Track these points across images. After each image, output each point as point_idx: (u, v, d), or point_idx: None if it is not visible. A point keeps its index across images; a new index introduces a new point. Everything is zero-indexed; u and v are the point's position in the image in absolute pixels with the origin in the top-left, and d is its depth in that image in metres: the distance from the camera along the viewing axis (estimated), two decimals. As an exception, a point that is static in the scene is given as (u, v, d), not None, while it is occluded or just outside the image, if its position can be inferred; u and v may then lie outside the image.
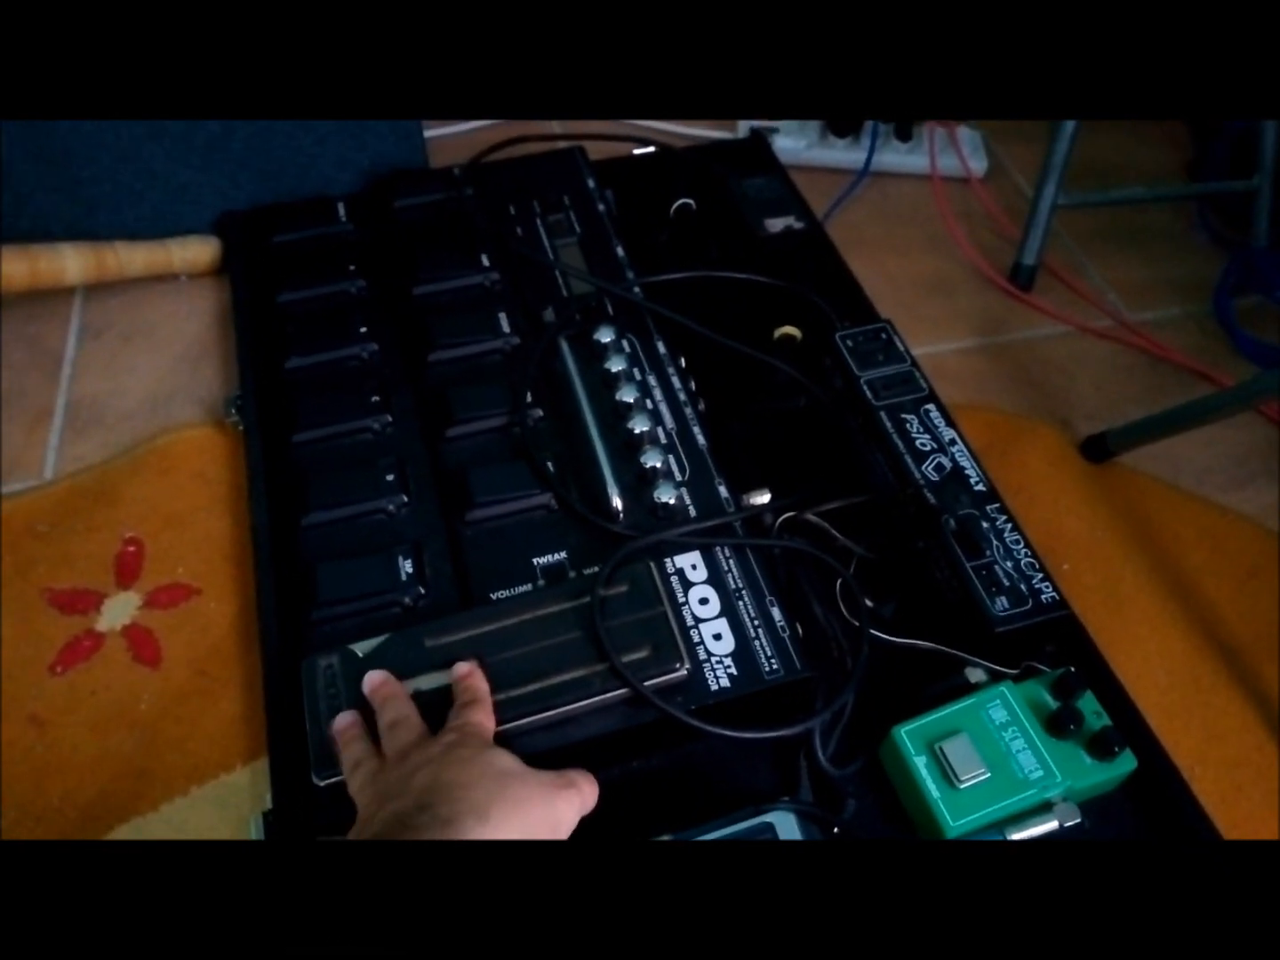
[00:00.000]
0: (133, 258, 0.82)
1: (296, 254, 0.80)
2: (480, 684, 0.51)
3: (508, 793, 0.42)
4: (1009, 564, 0.59)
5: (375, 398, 0.69)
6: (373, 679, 0.52)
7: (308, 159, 0.86)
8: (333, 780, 0.50)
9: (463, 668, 0.52)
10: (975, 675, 0.57)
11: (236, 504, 0.69)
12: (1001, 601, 0.57)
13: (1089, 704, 0.56)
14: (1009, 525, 0.61)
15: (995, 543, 0.60)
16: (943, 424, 0.67)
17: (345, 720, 0.51)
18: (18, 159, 0.79)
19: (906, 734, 0.54)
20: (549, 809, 0.44)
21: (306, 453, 0.67)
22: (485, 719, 0.49)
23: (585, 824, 0.46)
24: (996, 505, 0.62)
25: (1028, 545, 0.60)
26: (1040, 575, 0.59)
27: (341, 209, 0.83)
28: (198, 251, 0.84)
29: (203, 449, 0.73)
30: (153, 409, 0.76)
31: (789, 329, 0.77)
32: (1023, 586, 0.58)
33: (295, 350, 0.72)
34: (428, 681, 0.53)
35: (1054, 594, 0.58)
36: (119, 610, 0.64)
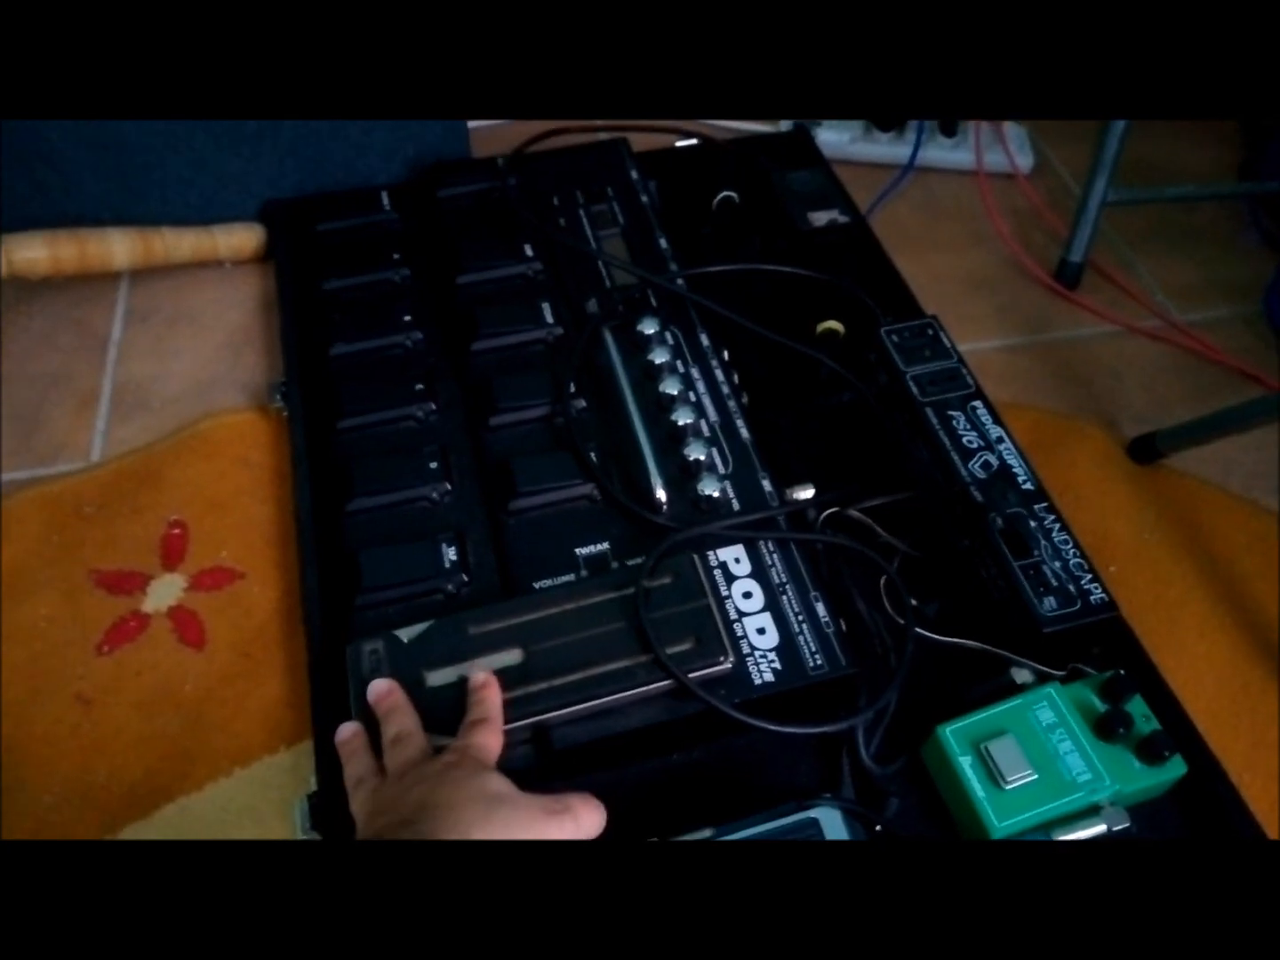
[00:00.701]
0: (179, 243, 0.83)
1: (341, 242, 0.80)
2: (494, 699, 0.51)
3: (495, 815, 0.42)
4: (1057, 564, 0.58)
5: (419, 385, 0.69)
6: (378, 688, 0.51)
7: (354, 149, 0.86)
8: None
9: (479, 677, 0.52)
10: (1021, 676, 0.57)
11: (280, 489, 0.70)
12: (1049, 602, 0.57)
13: (1138, 707, 0.55)
14: (1057, 525, 0.60)
15: (1043, 542, 0.59)
16: (990, 421, 0.66)
17: (347, 732, 0.51)
18: (70, 144, 0.80)
19: (952, 733, 0.54)
20: (539, 835, 0.43)
21: (350, 439, 0.67)
22: (490, 739, 0.48)
23: (625, 818, 0.46)
24: (1044, 504, 0.61)
25: (1076, 545, 0.59)
26: (1089, 576, 0.58)
27: (386, 198, 0.83)
28: (243, 238, 0.85)
29: (246, 434, 0.74)
30: (197, 393, 0.77)
31: (832, 323, 0.76)
32: (1071, 587, 0.57)
33: (340, 337, 0.72)
34: (471, 668, 0.53)
35: (1103, 595, 0.57)
36: (164, 592, 0.65)
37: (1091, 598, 0.57)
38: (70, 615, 0.64)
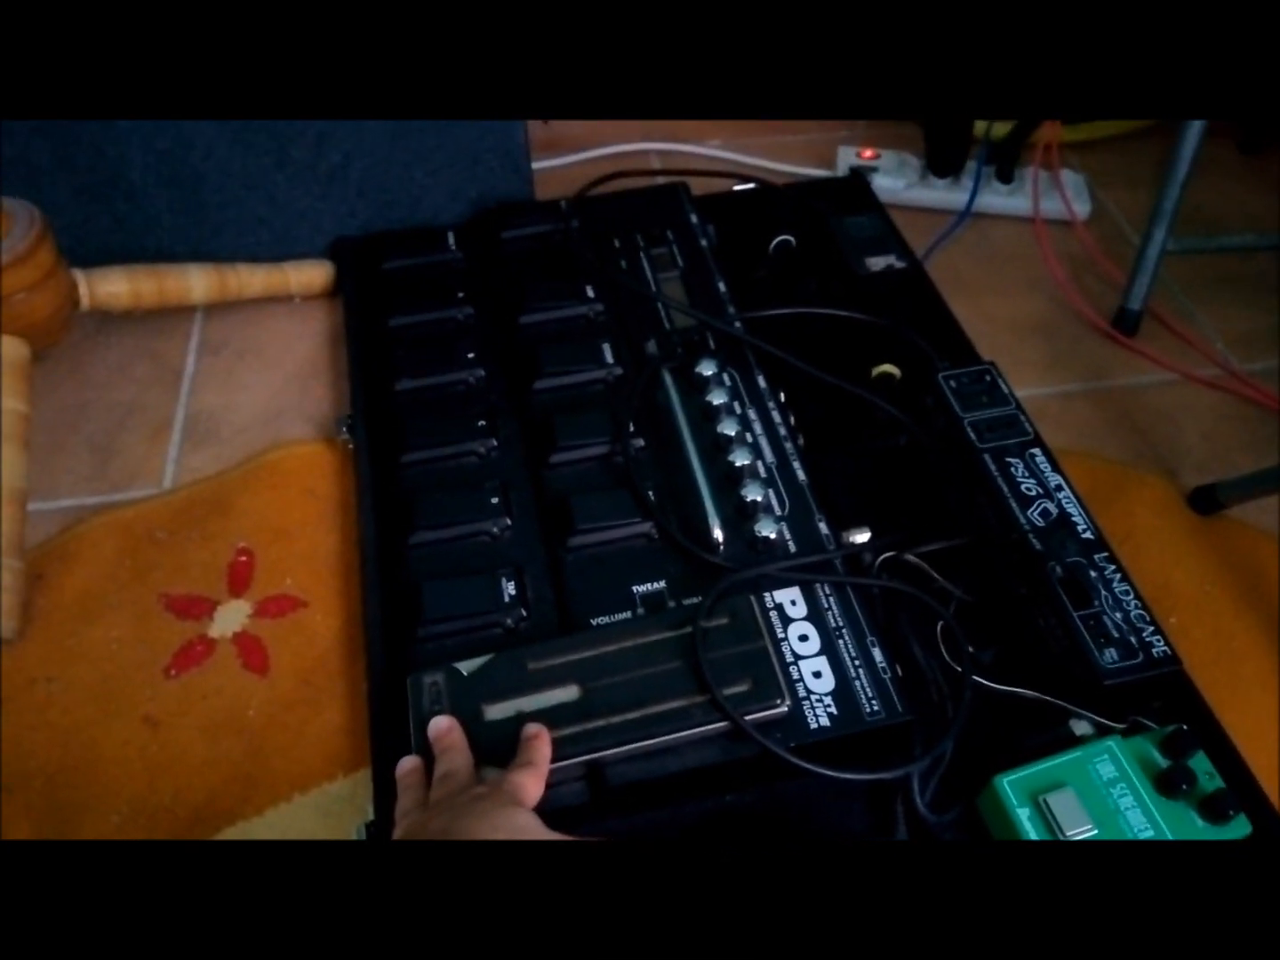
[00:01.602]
0: (252, 279, 0.86)
1: (407, 280, 0.83)
2: (544, 749, 0.51)
3: None
4: (1118, 615, 0.58)
5: (481, 422, 0.71)
6: (438, 725, 0.52)
7: (420, 190, 0.89)
8: (437, 796, 0.51)
9: (531, 729, 0.52)
10: (1081, 728, 0.56)
11: (344, 520, 0.72)
12: (1110, 653, 0.56)
13: (1201, 764, 0.54)
14: (1118, 575, 0.60)
15: (1104, 592, 0.59)
16: (1049, 469, 0.66)
17: (407, 765, 0.51)
18: (150, 182, 0.84)
19: (1009, 784, 0.53)
20: None
21: (414, 473, 0.69)
22: (530, 783, 0.48)
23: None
24: (1105, 554, 0.61)
25: (1137, 596, 0.59)
26: (1151, 628, 0.57)
27: (451, 238, 0.85)
28: (312, 275, 0.88)
29: (312, 465, 0.76)
30: (266, 424, 0.79)
31: (888, 367, 0.77)
32: (1132, 639, 0.57)
33: (405, 373, 0.74)
34: (529, 703, 0.54)
35: (1165, 648, 0.56)
36: (230, 618, 0.67)
37: (1154, 650, 0.57)
38: (140, 638, 0.66)
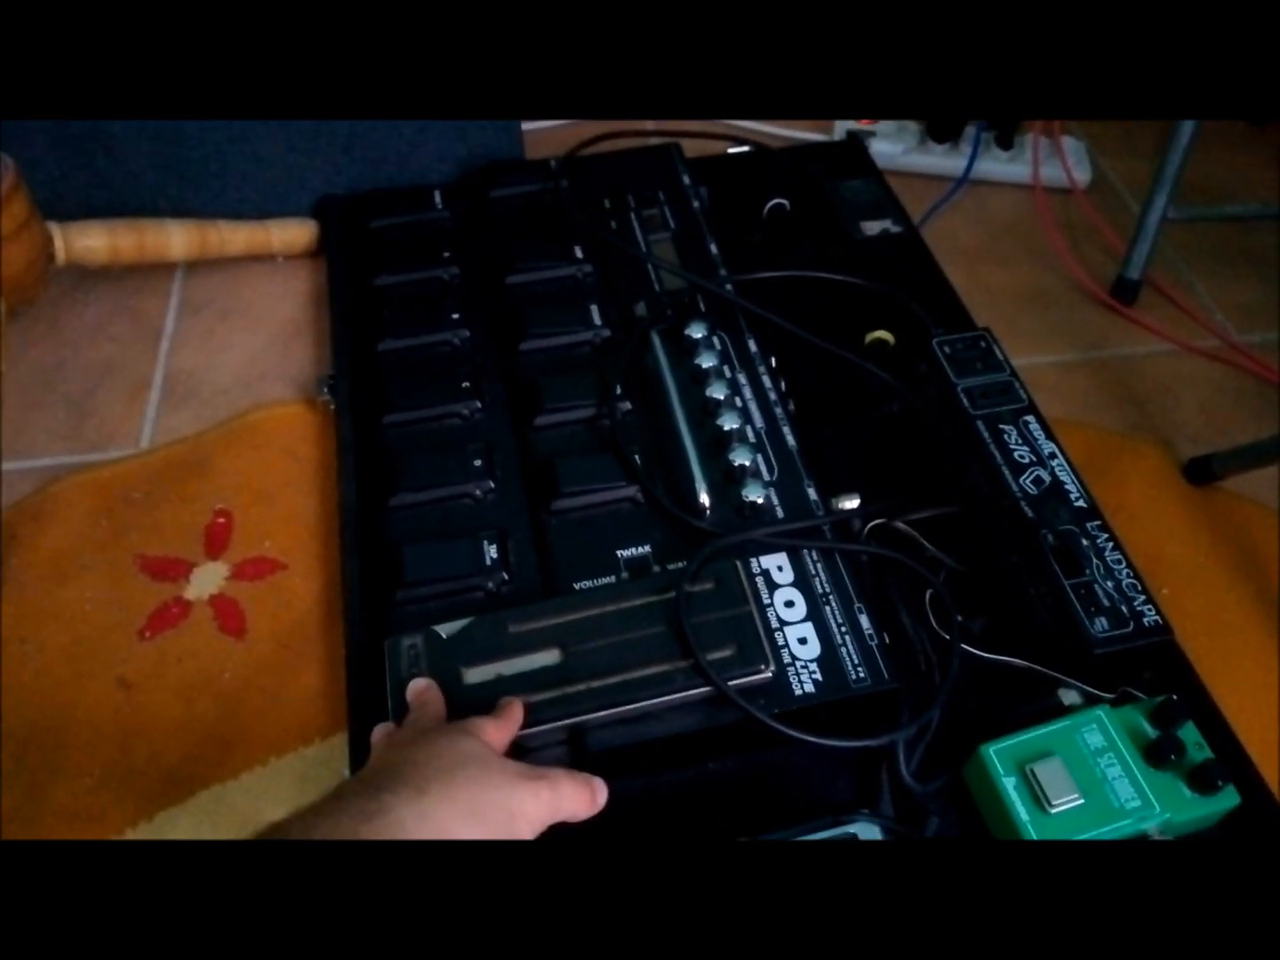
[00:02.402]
0: (234, 236, 0.84)
1: (393, 239, 0.81)
2: (515, 708, 0.49)
3: (459, 773, 0.41)
4: (1109, 584, 0.57)
5: (466, 383, 0.69)
6: (416, 685, 0.51)
7: (408, 148, 0.87)
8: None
9: (508, 699, 0.50)
10: (1069, 697, 0.55)
11: (324, 482, 0.70)
12: (1101, 622, 0.55)
13: (1190, 734, 0.53)
14: (1110, 544, 0.59)
15: (1095, 561, 0.58)
16: (1042, 437, 0.64)
17: (382, 731, 0.50)
18: (131, 136, 0.82)
19: (996, 753, 0.52)
20: (505, 796, 0.41)
21: (396, 434, 0.68)
22: (492, 730, 0.46)
23: (658, 826, 0.45)
24: (1098, 523, 0.60)
25: (1130, 565, 0.58)
26: (1143, 598, 0.56)
27: (438, 197, 0.83)
28: (296, 233, 0.86)
29: (293, 426, 0.74)
30: (246, 385, 0.78)
31: (882, 333, 0.75)
32: (1124, 608, 0.56)
33: (389, 333, 0.73)
34: (509, 667, 0.53)
35: (1157, 618, 0.56)
36: (207, 580, 0.66)
37: (1145, 620, 0.56)
38: (115, 599, 0.65)
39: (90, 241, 0.77)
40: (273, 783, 0.57)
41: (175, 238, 0.81)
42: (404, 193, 0.85)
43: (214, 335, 0.82)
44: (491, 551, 0.61)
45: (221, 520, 0.69)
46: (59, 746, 0.58)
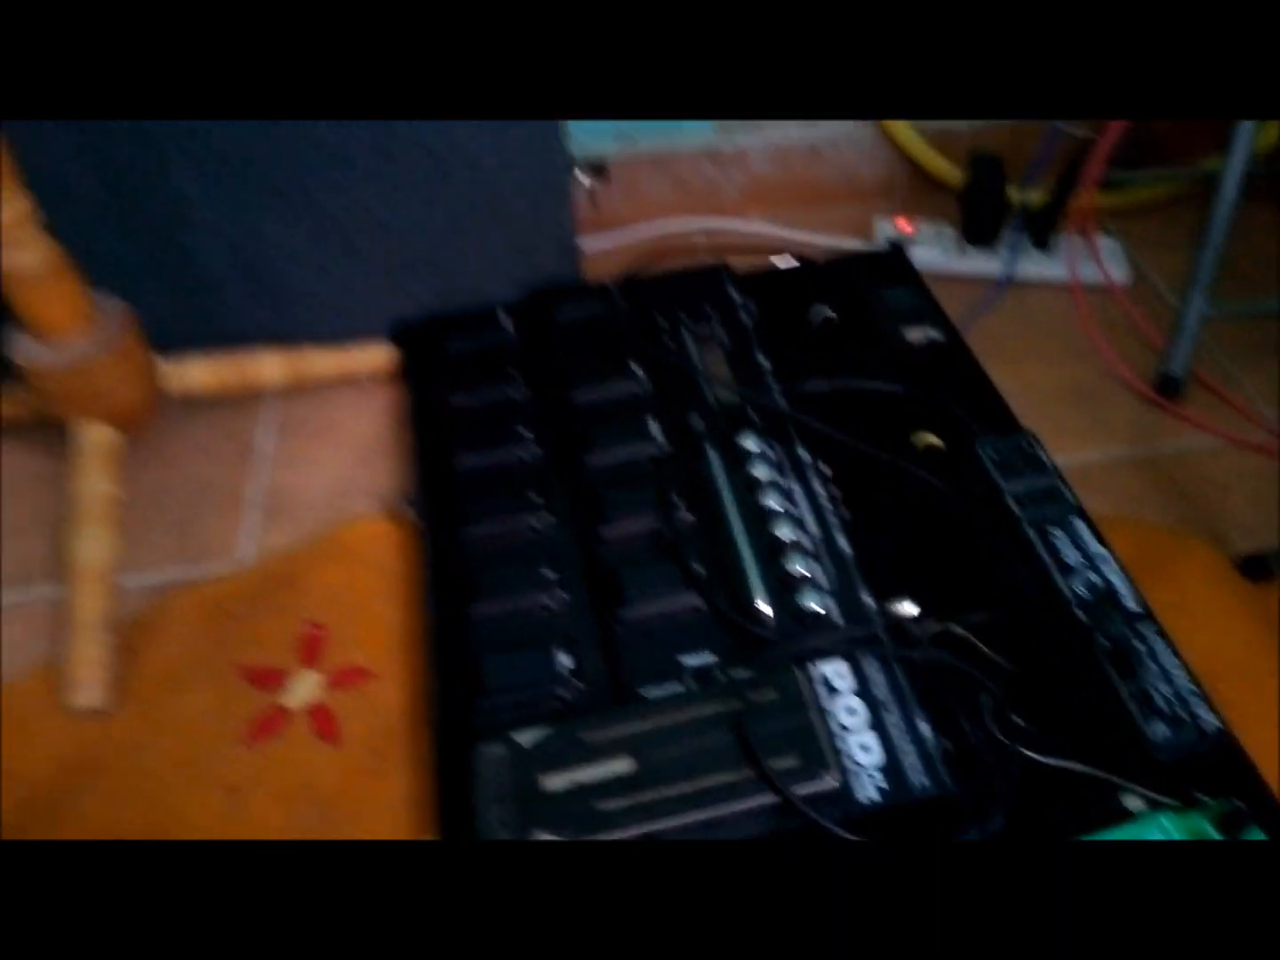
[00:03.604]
0: (321, 362, 0.91)
1: (465, 360, 0.87)
2: None
3: None
4: (1166, 688, 0.59)
5: (537, 497, 0.74)
6: None
7: (475, 274, 0.94)
8: (499, 866, 0.53)
9: None
10: (1132, 802, 0.57)
11: (409, 593, 0.75)
12: (1159, 727, 0.57)
13: (1255, 838, 0.54)
14: (1165, 647, 0.60)
15: (1151, 665, 0.60)
16: (1092, 539, 0.67)
17: None
18: (229, 275, 0.90)
19: (1058, 858, 0.54)
20: None
21: (473, 546, 0.72)
22: None
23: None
24: (1151, 626, 0.62)
25: (1186, 669, 0.59)
26: (1201, 701, 0.58)
27: (506, 319, 0.90)
28: (377, 356, 0.93)
29: (379, 540, 0.79)
30: (334, 501, 0.84)
31: (930, 438, 0.78)
32: (1182, 712, 0.57)
33: (464, 449, 0.78)
34: (585, 775, 0.56)
35: (1216, 722, 0.57)
36: (303, 688, 0.70)
37: (1203, 724, 0.57)
38: (220, 708, 0.69)
39: (195, 375, 0.85)
40: (365, 886, 0.61)
41: (269, 366, 0.89)
42: (473, 316, 0.91)
43: (305, 455, 0.88)
44: (564, 659, 0.65)
45: (315, 631, 0.74)
46: (170, 850, 0.63)
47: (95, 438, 0.78)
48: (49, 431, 0.83)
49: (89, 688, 0.69)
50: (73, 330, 0.76)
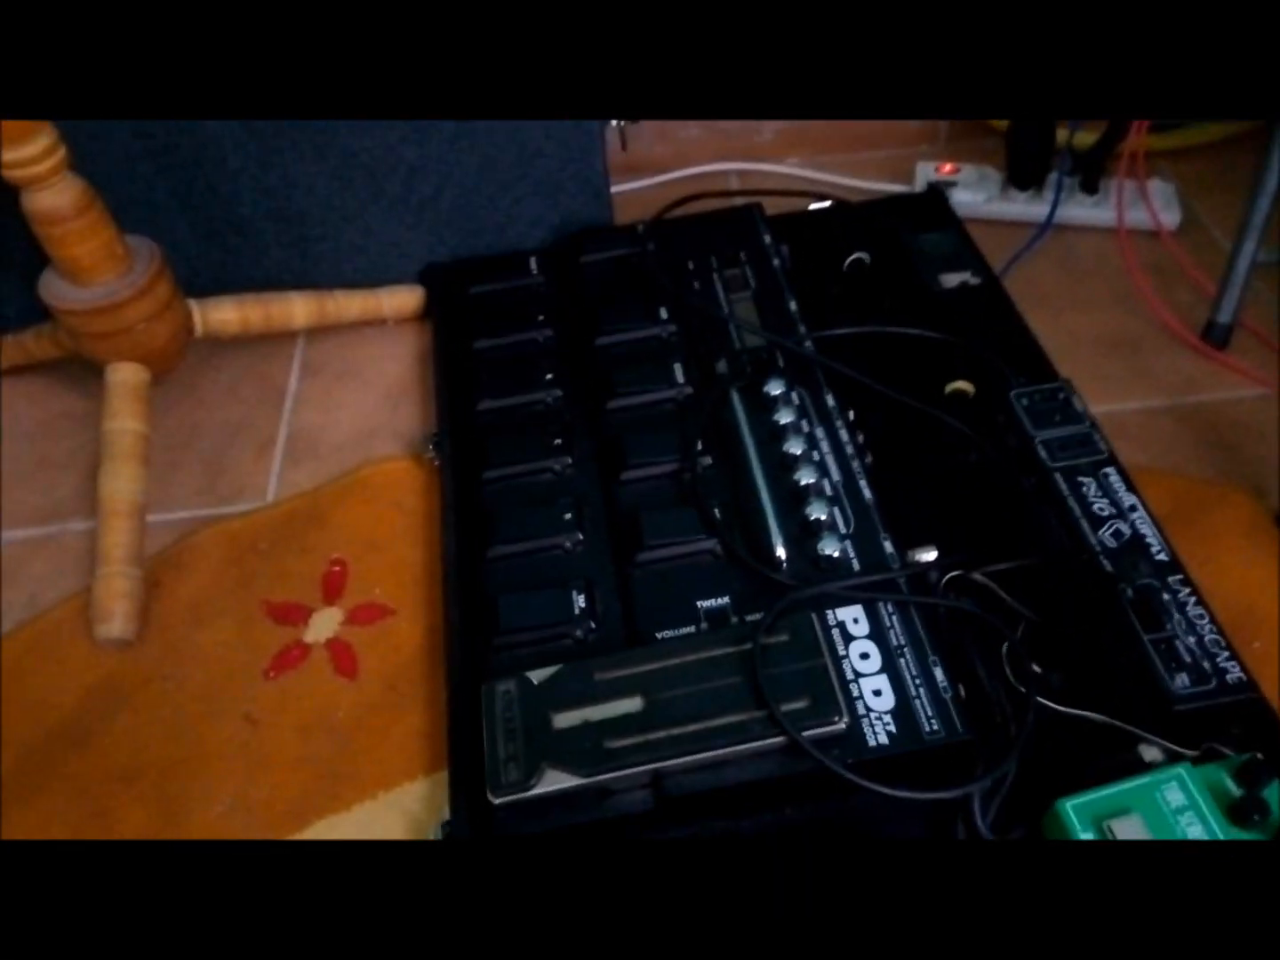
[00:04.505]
0: (349, 305, 0.92)
1: (491, 304, 0.87)
2: None
3: None
4: (1191, 639, 0.57)
5: (558, 440, 0.74)
6: None
7: (505, 218, 0.93)
8: (506, 799, 0.54)
9: None
10: (1150, 753, 0.55)
11: (430, 533, 0.76)
12: (1182, 678, 0.55)
13: (1275, 794, 0.52)
14: (1192, 598, 0.59)
15: (1177, 616, 0.58)
16: (1123, 489, 0.65)
17: None
18: (259, 218, 0.90)
19: (1074, 808, 0.53)
20: None
21: (493, 489, 0.73)
22: None
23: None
24: (1179, 576, 0.60)
25: (1213, 620, 0.58)
26: (1226, 653, 0.56)
27: (534, 263, 0.89)
28: (404, 300, 0.93)
29: (402, 480, 0.80)
30: (359, 442, 0.85)
31: (961, 384, 0.76)
32: (1206, 664, 0.56)
33: (487, 393, 0.78)
34: (595, 713, 0.56)
35: (1241, 674, 0.55)
36: (324, 624, 0.71)
37: (1228, 676, 0.55)
38: (243, 641, 0.71)
39: (223, 315, 0.86)
40: (379, 815, 0.62)
41: (297, 308, 0.89)
42: (501, 259, 0.91)
43: (331, 396, 0.89)
44: (580, 601, 0.64)
45: (337, 569, 0.75)
46: (194, 776, 0.65)
47: (125, 377, 0.79)
48: (83, 370, 0.85)
49: (117, 620, 0.71)
50: (104, 271, 0.77)
